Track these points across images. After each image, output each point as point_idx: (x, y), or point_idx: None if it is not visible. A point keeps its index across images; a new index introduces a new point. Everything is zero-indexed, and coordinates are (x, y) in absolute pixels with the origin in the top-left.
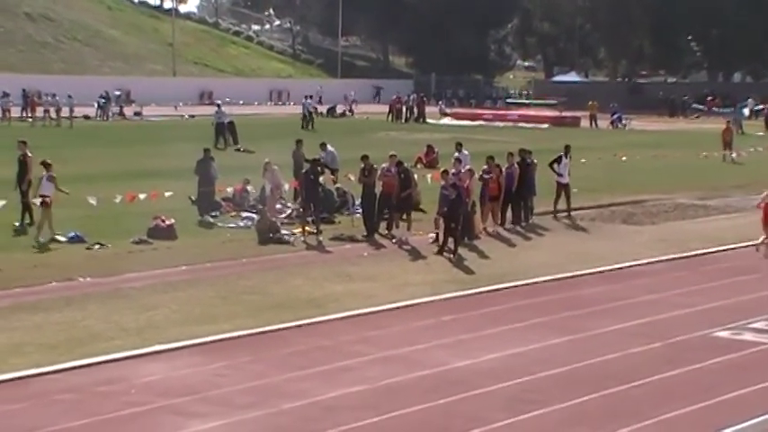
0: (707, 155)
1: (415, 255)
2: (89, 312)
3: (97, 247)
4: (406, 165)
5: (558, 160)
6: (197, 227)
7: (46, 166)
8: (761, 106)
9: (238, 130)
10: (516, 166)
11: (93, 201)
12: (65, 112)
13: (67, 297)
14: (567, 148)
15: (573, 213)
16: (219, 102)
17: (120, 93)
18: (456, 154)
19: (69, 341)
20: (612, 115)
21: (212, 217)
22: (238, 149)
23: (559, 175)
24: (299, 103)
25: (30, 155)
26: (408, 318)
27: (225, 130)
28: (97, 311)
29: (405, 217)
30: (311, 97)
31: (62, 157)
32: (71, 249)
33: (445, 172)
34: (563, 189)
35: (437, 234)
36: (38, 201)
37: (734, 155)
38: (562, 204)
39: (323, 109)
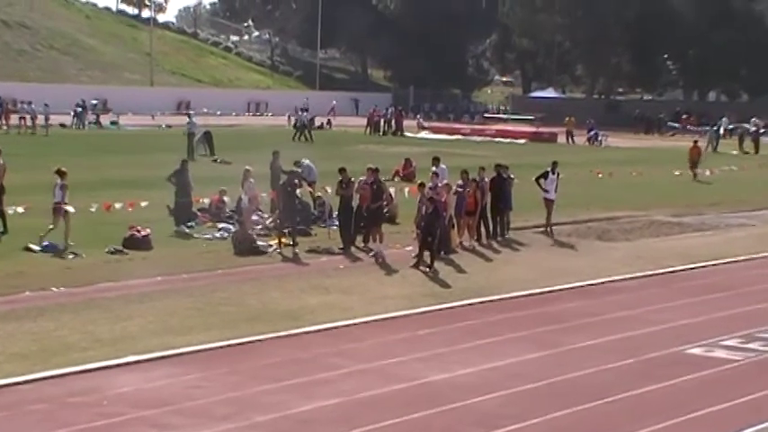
0: (681, 173)
1: (392, 268)
2: (63, 322)
3: (72, 256)
4: (382, 178)
5: (545, 176)
6: (173, 237)
7: (60, 174)
8: (732, 125)
9: (215, 142)
10: (486, 180)
11: (71, 209)
12: (40, 120)
13: (41, 307)
14: (554, 165)
15: (541, 229)
16: (191, 112)
17: (97, 101)
18: (433, 168)
19: (42, 351)
20: (589, 131)
21: (188, 228)
22: (215, 160)
23: (545, 191)
24: (278, 114)
25: (2, 162)
26: (384, 331)
27: (194, 141)
28: (71, 322)
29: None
30: (307, 110)
31: (36, 166)
32: (45, 259)
33: (422, 185)
34: (550, 204)
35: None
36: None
37: (699, 172)
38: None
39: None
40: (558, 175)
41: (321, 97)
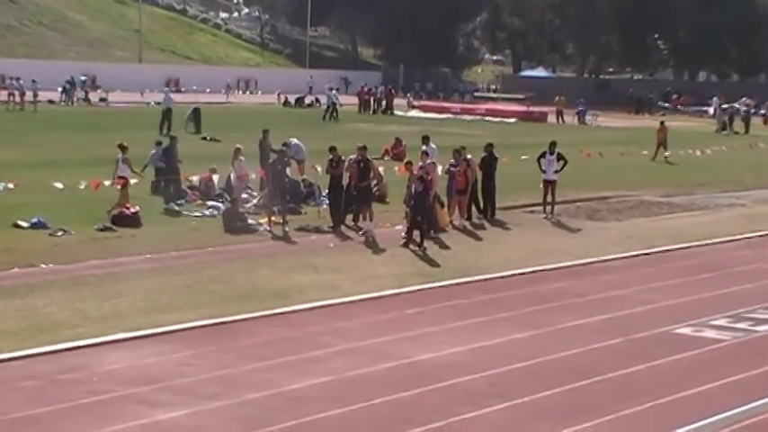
0: (671, 153)
1: (381, 247)
2: (52, 299)
3: (60, 233)
4: (372, 156)
5: (543, 155)
6: (162, 215)
7: (122, 148)
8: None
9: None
10: (470, 158)
11: (59, 185)
12: (29, 96)
13: (30, 284)
14: (552, 145)
15: (539, 209)
16: (167, 88)
17: (86, 78)
18: (423, 147)
19: (31, 328)
20: (578, 112)
21: (178, 205)
22: (204, 138)
23: (543, 171)
24: (267, 92)
25: None
26: (374, 310)
27: (169, 117)
28: (60, 298)
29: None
30: (337, 89)
31: (25, 142)
32: (34, 235)
33: (409, 163)
34: (548, 185)
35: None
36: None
37: (667, 153)
38: (549, 198)
39: (292, 99)
40: (559, 155)
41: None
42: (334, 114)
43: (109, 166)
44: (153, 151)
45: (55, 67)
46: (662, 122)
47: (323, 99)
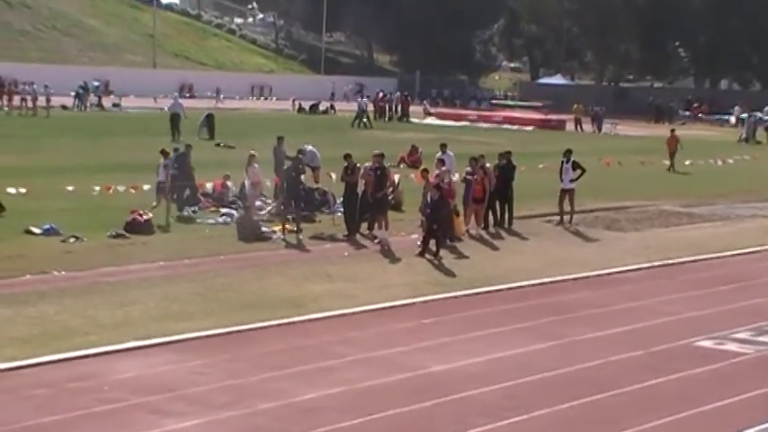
0: (691, 162)
1: (396, 256)
2: (64, 307)
3: (73, 240)
4: (388, 164)
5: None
6: (175, 222)
7: (164, 154)
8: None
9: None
10: (489, 166)
11: (72, 191)
12: (41, 101)
13: (42, 291)
14: (566, 153)
15: (549, 218)
16: (177, 93)
17: (99, 83)
18: (439, 154)
19: (43, 335)
20: (593, 116)
21: (191, 212)
22: (218, 144)
23: (561, 180)
24: (282, 98)
25: None
26: (389, 319)
27: (178, 123)
28: (72, 306)
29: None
30: (367, 96)
31: (38, 148)
32: (46, 242)
33: (425, 171)
34: (564, 194)
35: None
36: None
37: (675, 162)
38: (566, 207)
39: (306, 105)
40: (575, 163)
41: (327, 82)
42: (365, 122)
43: (121, 173)
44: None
45: (68, 71)
46: (672, 131)
47: (339, 105)
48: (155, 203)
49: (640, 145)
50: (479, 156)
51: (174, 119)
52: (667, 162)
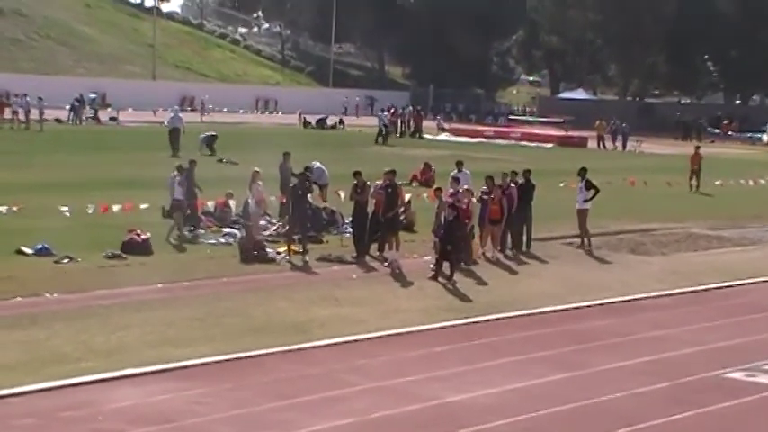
0: (721, 182)
1: (408, 279)
2: (55, 331)
3: (66, 260)
4: (399, 182)
5: None
6: (174, 242)
7: (180, 170)
8: None
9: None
10: (513, 186)
11: (65, 209)
12: (34, 114)
13: (32, 314)
14: (580, 172)
15: (576, 240)
16: (177, 107)
17: (96, 96)
18: (454, 172)
19: (33, 362)
20: (614, 132)
21: (190, 232)
22: (220, 160)
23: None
24: (288, 112)
25: None
26: (399, 346)
27: (177, 138)
28: (64, 330)
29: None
30: (388, 110)
31: (30, 163)
32: (38, 263)
33: (438, 190)
34: (578, 215)
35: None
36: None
37: (695, 183)
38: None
39: (312, 120)
40: (588, 182)
41: (337, 95)
42: (386, 137)
43: (118, 190)
44: (173, 174)
45: (63, 83)
46: (697, 148)
47: (348, 120)
48: (174, 224)
49: (667, 163)
50: (512, 171)
51: (174, 134)
52: (692, 182)
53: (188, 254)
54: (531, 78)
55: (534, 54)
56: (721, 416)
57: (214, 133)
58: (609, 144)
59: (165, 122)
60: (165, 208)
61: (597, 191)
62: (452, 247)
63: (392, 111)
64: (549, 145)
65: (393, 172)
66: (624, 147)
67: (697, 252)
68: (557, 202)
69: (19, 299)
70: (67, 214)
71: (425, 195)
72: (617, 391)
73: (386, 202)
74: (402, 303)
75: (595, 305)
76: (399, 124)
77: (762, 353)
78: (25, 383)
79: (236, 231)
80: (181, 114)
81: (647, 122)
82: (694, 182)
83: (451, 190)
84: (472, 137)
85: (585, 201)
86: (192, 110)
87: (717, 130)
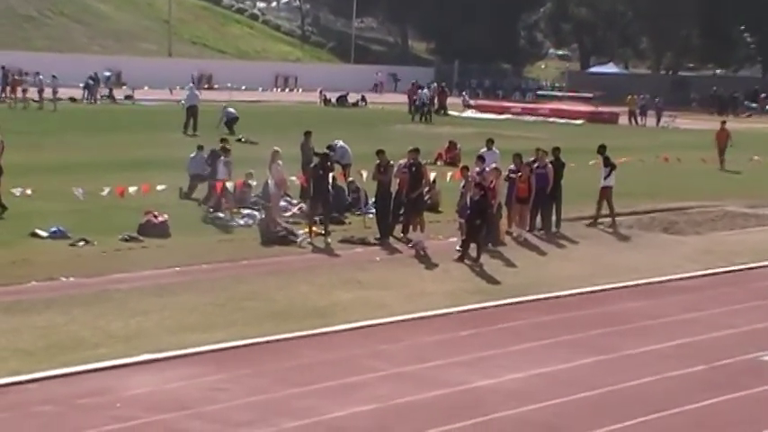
0: (758, 158)
1: (433, 261)
2: (72, 316)
3: (82, 243)
4: (423, 161)
5: None
6: (193, 224)
7: (225, 150)
8: None
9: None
10: (550, 165)
11: (78, 192)
12: (48, 93)
13: (49, 298)
14: (599, 149)
15: (601, 220)
16: (191, 84)
17: (110, 74)
18: (483, 150)
19: (50, 347)
20: (641, 107)
21: (210, 214)
22: (239, 140)
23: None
24: (308, 90)
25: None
26: (423, 331)
27: (195, 115)
28: (81, 315)
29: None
30: (426, 87)
31: (44, 144)
32: (53, 246)
33: (465, 168)
34: (600, 193)
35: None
36: None
37: (726, 159)
38: (606, 210)
39: (332, 97)
40: (607, 160)
41: (357, 72)
42: (427, 116)
43: (135, 171)
44: (192, 155)
45: (77, 61)
46: (723, 123)
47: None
48: (225, 204)
49: (701, 139)
50: (542, 151)
51: (191, 111)
52: (731, 158)
53: (207, 236)
54: (560, 52)
55: (563, 27)
56: (757, 400)
57: (236, 115)
58: (640, 120)
59: (182, 101)
60: (182, 189)
61: (612, 167)
62: (479, 228)
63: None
64: (579, 121)
65: (417, 150)
66: (658, 122)
67: (733, 231)
68: (586, 181)
69: (34, 283)
70: (82, 197)
71: (450, 174)
72: (648, 376)
73: (410, 182)
74: (427, 286)
75: (626, 287)
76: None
77: None
78: (42, 369)
79: (256, 213)
80: (197, 92)
81: (681, 97)
82: (724, 158)
83: (477, 169)
84: (499, 113)
85: (605, 178)
86: (209, 87)
87: (754, 105)
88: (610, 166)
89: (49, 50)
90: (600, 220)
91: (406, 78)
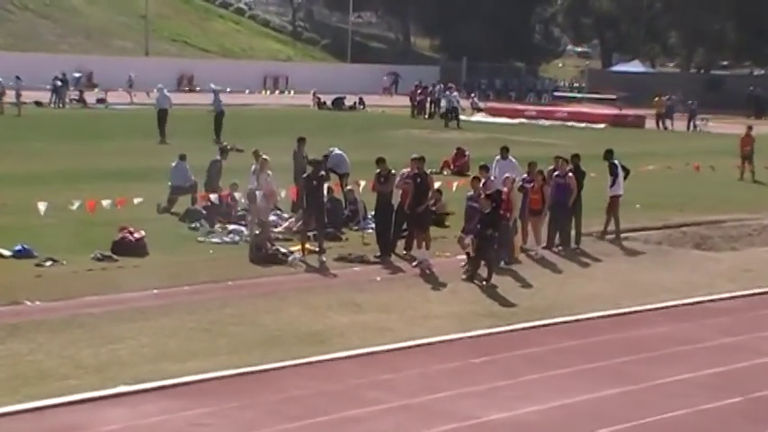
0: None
1: (440, 281)
2: (38, 344)
3: (49, 263)
4: (428, 170)
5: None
6: (173, 241)
7: (257, 156)
8: None
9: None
10: (571, 174)
11: (42, 207)
12: (11, 96)
13: (12, 325)
14: (606, 154)
15: (634, 235)
16: (161, 85)
17: (81, 75)
18: (497, 158)
19: (13, 379)
20: (667, 109)
21: (191, 229)
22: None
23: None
24: (300, 91)
25: None
26: (430, 358)
27: (164, 120)
28: (48, 343)
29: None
30: (453, 88)
31: (7, 152)
32: (17, 266)
33: (476, 179)
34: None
35: (468, 256)
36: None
37: (753, 168)
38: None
39: (327, 100)
40: (615, 166)
41: (354, 71)
42: (456, 120)
43: (108, 182)
44: (174, 164)
45: (44, 60)
46: (749, 128)
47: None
48: (249, 217)
49: (736, 145)
50: (574, 155)
51: (161, 115)
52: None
53: (188, 255)
54: (580, 49)
55: (583, 21)
56: None
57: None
58: (668, 123)
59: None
60: (160, 204)
61: (616, 175)
62: (492, 233)
63: (420, 88)
64: (601, 125)
65: (422, 159)
66: (691, 126)
67: None
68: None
69: None
70: (50, 211)
71: (456, 185)
72: (679, 408)
73: (414, 194)
74: (433, 309)
75: (655, 309)
76: (429, 104)
77: None
78: (4, 404)
79: (243, 228)
80: (167, 93)
81: (715, 98)
82: (747, 168)
83: (483, 179)
84: (512, 117)
85: (610, 187)
86: (190, 90)
87: None
88: (615, 174)
89: (12, 49)
90: (626, 235)
91: (409, 78)
